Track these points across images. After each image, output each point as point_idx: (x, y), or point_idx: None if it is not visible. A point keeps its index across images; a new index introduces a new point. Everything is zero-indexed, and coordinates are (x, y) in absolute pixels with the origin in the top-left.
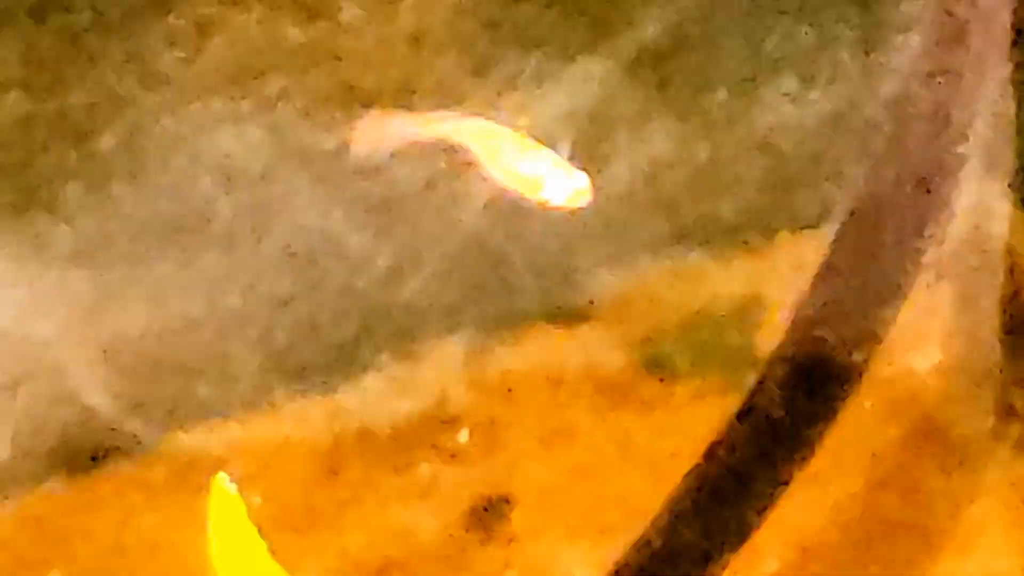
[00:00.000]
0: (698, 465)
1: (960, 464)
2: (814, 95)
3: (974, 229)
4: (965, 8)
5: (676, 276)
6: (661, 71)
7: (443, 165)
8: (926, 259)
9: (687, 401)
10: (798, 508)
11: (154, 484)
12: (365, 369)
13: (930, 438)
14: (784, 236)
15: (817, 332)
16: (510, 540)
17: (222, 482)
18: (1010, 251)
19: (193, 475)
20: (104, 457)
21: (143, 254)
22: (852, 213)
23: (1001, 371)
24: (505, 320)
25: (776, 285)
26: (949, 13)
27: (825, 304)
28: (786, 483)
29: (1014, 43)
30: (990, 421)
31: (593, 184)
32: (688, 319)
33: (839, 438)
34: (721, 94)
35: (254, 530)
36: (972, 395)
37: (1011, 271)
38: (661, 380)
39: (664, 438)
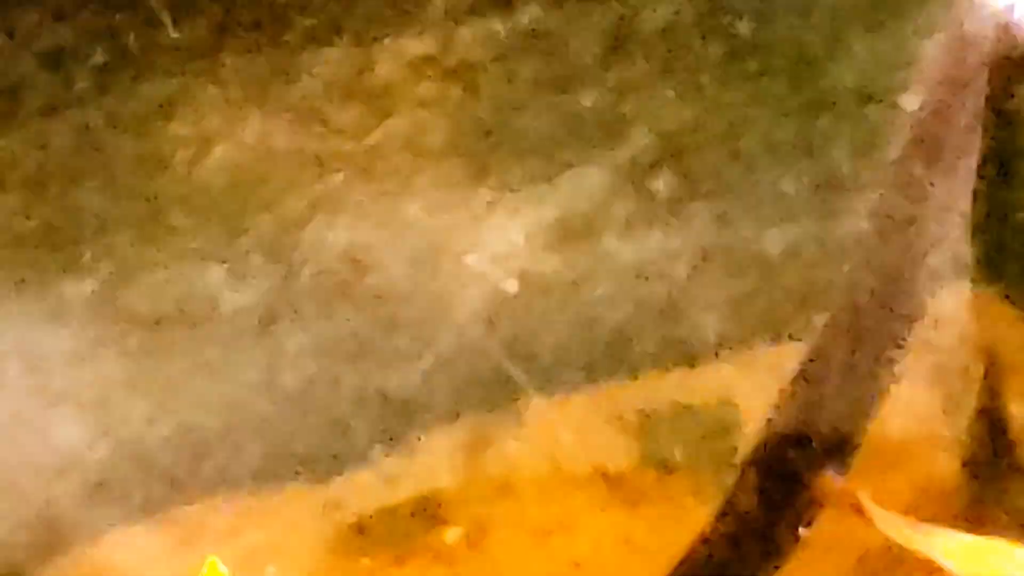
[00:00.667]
0: (683, 561)
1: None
2: (799, 206)
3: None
4: (940, 126)
5: (664, 378)
6: (651, 180)
7: (437, 262)
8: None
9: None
10: None
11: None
12: (359, 461)
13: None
14: (764, 347)
15: (790, 439)
16: None
17: (215, 566)
18: (987, 351)
19: (196, 549)
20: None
21: (150, 348)
22: (830, 321)
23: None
24: (500, 412)
25: (754, 393)
26: (923, 130)
27: (799, 412)
28: None
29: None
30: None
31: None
32: (680, 416)
33: (817, 541)
34: (706, 204)
35: None
36: (951, 503)
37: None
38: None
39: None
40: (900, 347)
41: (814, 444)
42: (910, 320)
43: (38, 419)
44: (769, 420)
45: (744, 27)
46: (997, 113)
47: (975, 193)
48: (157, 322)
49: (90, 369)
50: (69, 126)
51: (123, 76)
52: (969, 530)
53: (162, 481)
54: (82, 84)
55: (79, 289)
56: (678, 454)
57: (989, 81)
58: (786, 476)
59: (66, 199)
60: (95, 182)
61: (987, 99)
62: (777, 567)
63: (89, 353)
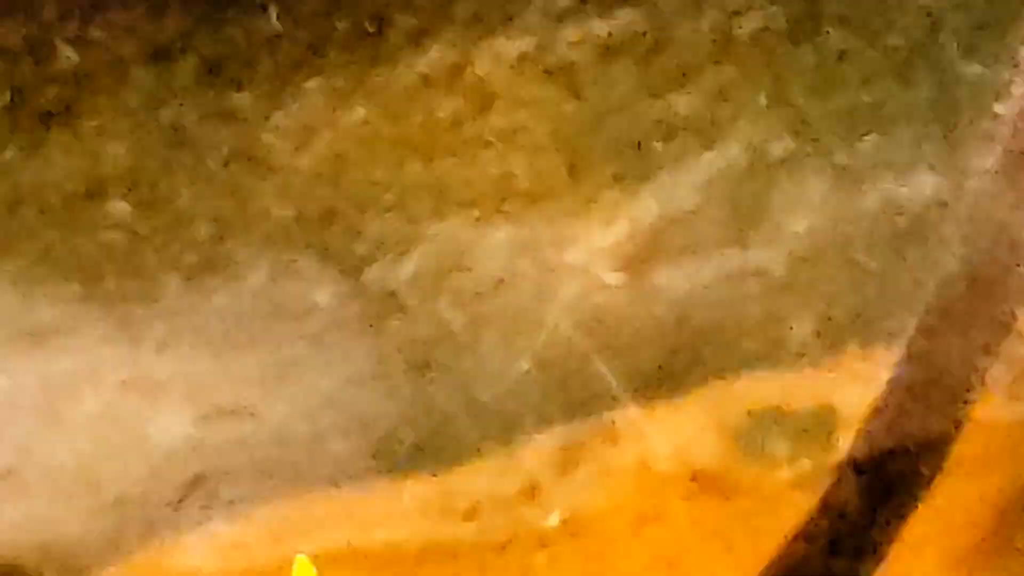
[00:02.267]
0: (779, 559)
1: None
2: (900, 211)
3: None
4: None
5: (762, 381)
6: (745, 183)
7: (534, 257)
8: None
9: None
10: None
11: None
12: (459, 457)
13: (995, 554)
14: (860, 350)
15: (886, 442)
16: None
17: (303, 562)
18: None
19: (285, 541)
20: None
21: (240, 342)
22: (920, 328)
23: None
24: (596, 412)
25: (851, 396)
26: (1017, 141)
27: (894, 415)
28: None
29: None
30: None
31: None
32: (777, 415)
33: (909, 544)
34: (798, 208)
35: None
36: None
37: None
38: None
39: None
40: (989, 355)
41: (909, 447)
42: (1001, 328)
43: (130, 413)
44: (866, 423)
45: (837, 35)
46: None
47: None
48: (251, 316)
49: (182, 363)
50: (170, 120)
51: (229, 68)
52: None
53: (257, 476)
54: (184, 79)
55: (172, 282)
56: (776, 453)
57: None
58: (883, 478)
59: (164, 192)
60: (194, 175)
61: None
62: (874, 568)
63: (185, 348)
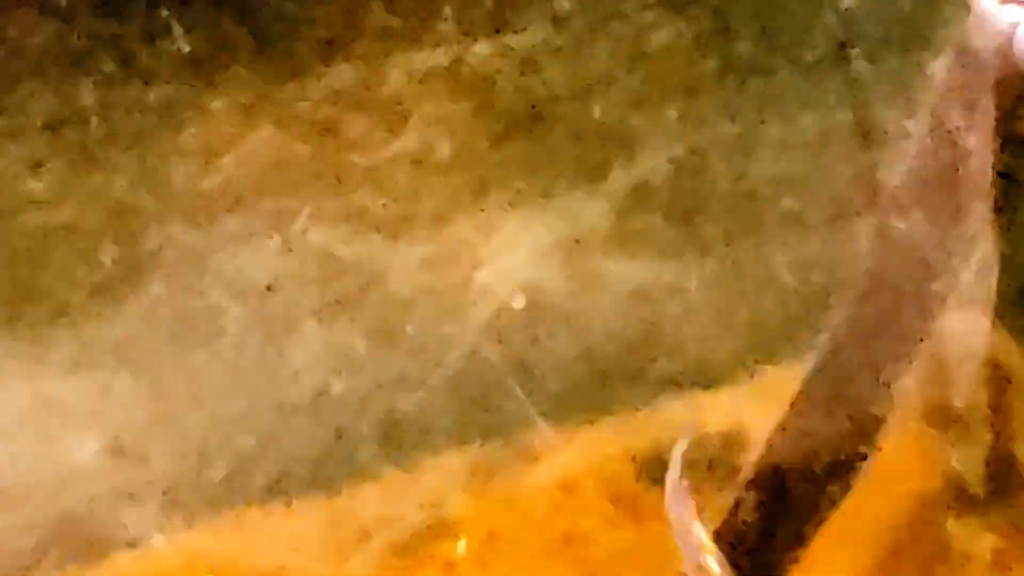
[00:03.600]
0: None
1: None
2: (812, 227)
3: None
4: (948, 149)
5: (673, 403)
6: (657, 201)
7: (446, 279)
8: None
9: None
10: None
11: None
12: (366, 477)
13: (914, 552)
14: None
15: (786, 462)
16: None
17: None
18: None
19: (201, 565)
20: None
21: (147, 361)
22: (827, 344)
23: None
24: (508, 431)
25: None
26: (924, 154)
27: (799, 435)
28: None
29: (996, 185)
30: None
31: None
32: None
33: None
34: (711, 224)
35: None
36: (939, 533)
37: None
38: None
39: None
40: (901, 372)
41: (814, 467)
42: (911, 345)
43: (44, 433)
44: (769, 442)
45: (744, 47)
46: (1005, 136)
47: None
48: (163, 338)
49: (95, 384)
50: (69, 140)
51: (130, 86)
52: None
53: (165, 499)
54: (86, 97)
55: (83, 304)
56: (686, 476)
57: (996, 103)
58: (784, 499)
59: (63, 216)
60: (99, 196)
61: (996, 121)
62: None
63: (94, 369)
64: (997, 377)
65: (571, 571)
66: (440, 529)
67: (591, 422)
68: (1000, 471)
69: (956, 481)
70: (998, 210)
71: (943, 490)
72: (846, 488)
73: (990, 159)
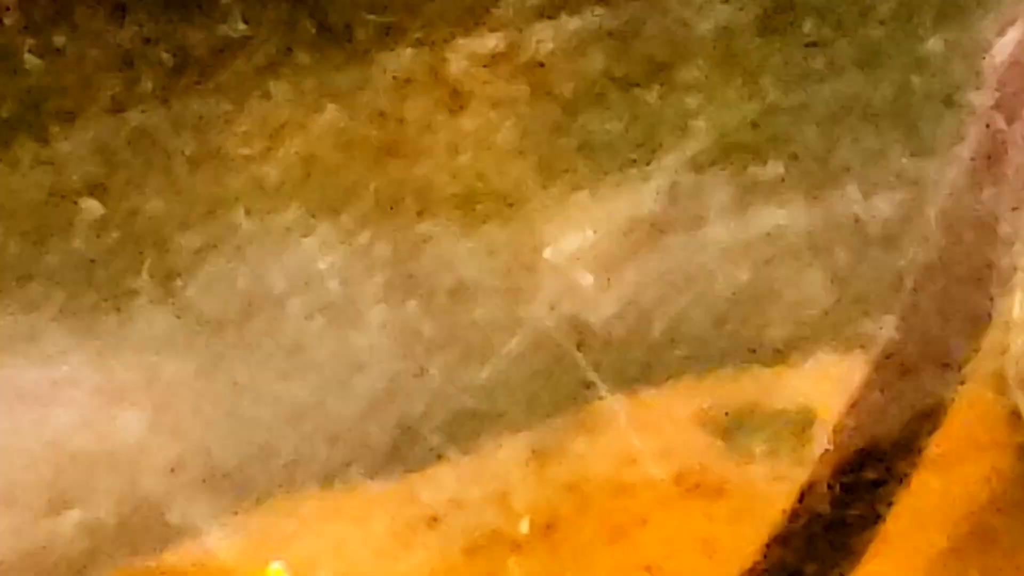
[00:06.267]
0: (757, 562)
1: (1003, 573)
2: (874, 207)
3: None
4: (1006, 123)
5: (740, 379)
6: (713, 179)
7: (513, 260)
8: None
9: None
10: None
11: (225, 559)
12: (433, 460)
13: (974, 547)
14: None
15: (859, 441)
16: None
17: (278, 571)
18: None
19: (263, 551)
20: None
21: (211, 347)
22: (895, 324)
23: None
24: (576, 409)
25: (830, 396)
26: (991, 128)
27: (868, 415)
28: None
29: None
30: None
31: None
32: (756, 413)
33: (885, 540)
34: (769, 204)
35: None
36: (1016, 506)
37: None
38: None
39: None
40: (968, 351)
41: (883, 446)
42: (977, 325)
43: (103, 419)
44: (840, 422)
45: (807, 25)
46: None
47: None
48: (227, 324)
49: (155, 370)
50: (134, 126)
51: (191, 72)
52: None
53: (228, 484)
54: (147, 83)
55: (144, 290)
56: (758, 452)
57: None
58: (857, 478)
59: (130, 200)
60: (159, 182)
61: None
62: (853, 565)
63: (154, 354)
64: None
65: (637, 552)
66: (506, 511)
67: (658, 396)
68: None
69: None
70: None
71: (1017, 467)
72: (912, 467)
73: None
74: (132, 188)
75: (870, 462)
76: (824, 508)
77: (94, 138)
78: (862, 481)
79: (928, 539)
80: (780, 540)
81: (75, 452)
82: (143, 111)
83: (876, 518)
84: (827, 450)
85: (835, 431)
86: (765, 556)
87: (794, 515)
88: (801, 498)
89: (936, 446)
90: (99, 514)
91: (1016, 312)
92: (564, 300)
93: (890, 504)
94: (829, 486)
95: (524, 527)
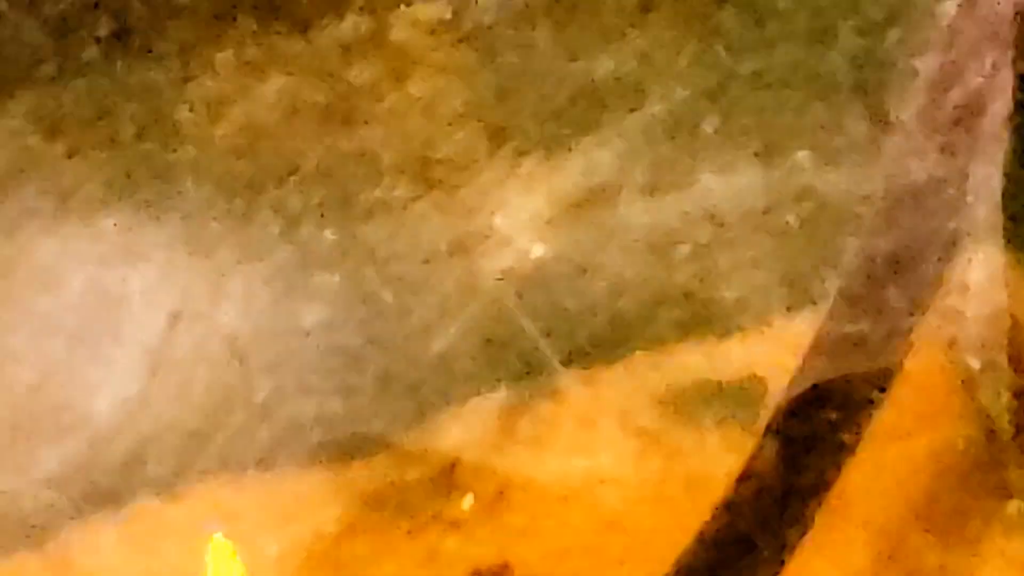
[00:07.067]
0: (704, 528)
1: (957, 541)
2: (825, 173)
3: (984, 303)
4: (951, 89)
5: (692, 349)
6: (665, 147)
7: (464, 227)
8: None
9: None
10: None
11: (171, 530)
12: (379, 436)
13: (928, 515)
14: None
15: (807, 406)
16: None
17: (219, 540)
18: (1014, 324)
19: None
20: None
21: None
22: (842, 289)
23: (1002, 450)
24: (527, 380)
25: (778, 362)
26: (936, 94)
27: (817, 379)
28: (789, 548)
29: (1013, 122)
30: (989, 499)
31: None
32: (708, 382)
33: (838, 510)
34: (720, 172)
35: None
36: (971, 473)
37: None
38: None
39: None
40: (916, 315)
41: (832, 411)
42: (925, 289)
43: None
44: (788, 388)
45: None
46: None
47: (1006, 155)
48: (165, 293)
49: (90, 347)
50: (76, 95)
51: (133, 40)
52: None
53: (166, 463)
54: (90, 52)
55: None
56: (709, 422)
57: (1017, 35)
58: (805, 443)
59: (77, 168)
60: (105, 151)
61: (1015, 55)
62: (802, 533)
63: (89, 329)
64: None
65: (592, 512)
66: (451, 487)
67: (610, 365)
68: None
69: (984, 424)
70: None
71: (971, 433)
72: (861, 431)
73: (1007, 95)
74: (79, 157)
75: (818, 429)
76: (772, 475)
77: (36, 107)
78: (810, 448)
79: (882, 508)
80: (729, 507)
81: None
82: (86, 79)
83: (825, 485)
84: (775, 417)
85: (783, 398)
86: (714, 522)
87: (742, 482)
88: (749, 465)
89: (889, 414)
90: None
91: (970, 278)
92: (514, 269)
93: (839, 470)
94: (777, 453)
95: (467, 503)
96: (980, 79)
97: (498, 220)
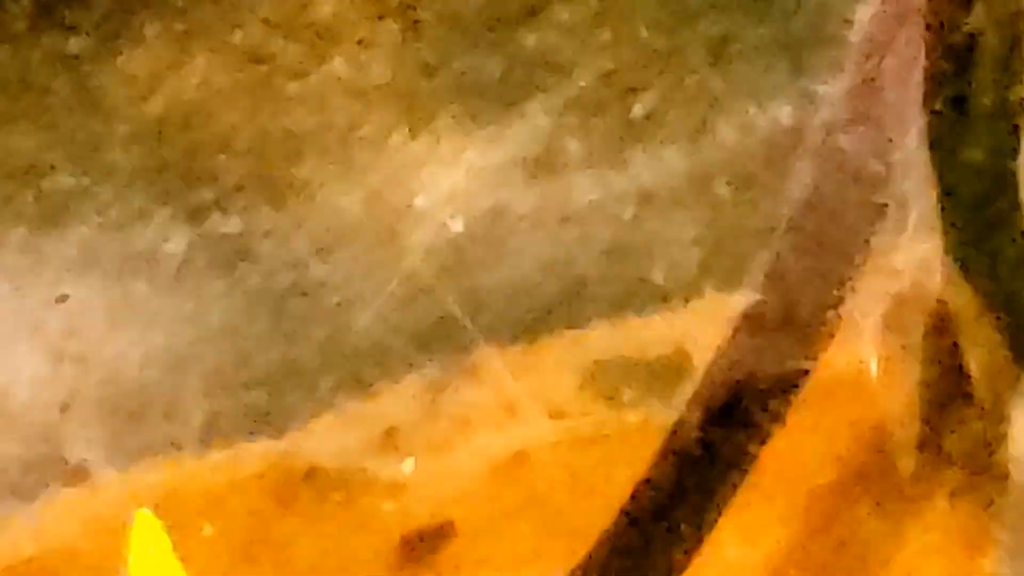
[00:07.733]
0: (626, 505)
1: (895, 512)
2: (752, 146)
3: (914, 284)
4: (877, 62)
5: (611, 325)
6: (589, 122)
7: (386, 203)
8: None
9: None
10: (733, 549)
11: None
12: (311, 411)
13: (866, 484)
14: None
15: (730, 381)
16: (446, 571)
17: (144, 514)
18: (943, 305)
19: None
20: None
21: (86, 297)
22: (769, 264)
23: (936, 421)
24: (451, 355)
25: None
26: (862, 66)
27: (742, 355)
28: (709, 523)
29: (926, 95)
30: (926, 469)
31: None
32: (631, 358)
33: (773, 480)
34: (648, 145)
35: (177, 564)
36: (907, 444)
37: (941, 323)
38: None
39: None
40: (843, 292)
41: (755, 387)
42: (851, 264)
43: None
44: (713, 362)
45: None
46: (943, 46)
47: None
48: (94, 268)
49: (21, 320)
50: (2, 65)
51: (59, 12)
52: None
53: (99, 440)
54: (17, 24)
55: (14, 234)
56: (630, 398)
57: (933, 11)
58: (726, 419)
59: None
60: (31, 123)
61: (931, 31)
62: (721, 507)
63: (18, 303)
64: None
65: (519, 488)
66: (388, 452)
67: (531, 343)
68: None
69: (911, 410)
70: (934, 141)
71: (898, 419)
72: (787, 405)
73: (920, 71)
74: (5, 128)
75: (741, 403)
76: (693, 450)
77: None
78: (732, 423)
79: (805, 482)
80: (650, 482)
81: None
82: (13, 50)
83: (746, 460)
84: (697, 392)
85: (706, 373)
86: (635, 498)
87: (663, 457)
88: (670, 440)
89: (812, 387)
90: None
91: (900, 260)
92: (437, 246)
93: (762, 444)
94: (698, 427)
95: (408, 467)
96: (904, 51)
97: (420, 199)
